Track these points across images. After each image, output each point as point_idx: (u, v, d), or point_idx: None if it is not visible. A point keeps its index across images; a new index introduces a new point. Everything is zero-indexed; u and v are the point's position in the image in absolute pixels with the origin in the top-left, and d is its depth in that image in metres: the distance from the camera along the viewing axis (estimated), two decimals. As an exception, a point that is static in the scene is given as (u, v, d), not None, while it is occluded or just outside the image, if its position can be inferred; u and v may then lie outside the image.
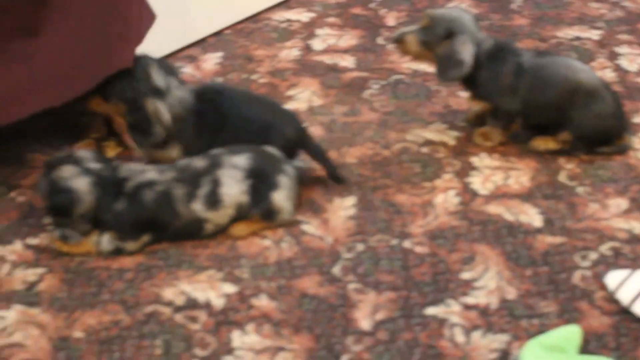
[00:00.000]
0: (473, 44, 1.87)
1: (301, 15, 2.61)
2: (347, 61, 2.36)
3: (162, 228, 1.68)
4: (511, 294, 1.57)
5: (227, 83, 2.23)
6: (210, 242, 1.71)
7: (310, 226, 1.75)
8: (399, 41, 1.92)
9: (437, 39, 1.87)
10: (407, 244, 1.70)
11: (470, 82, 1.92)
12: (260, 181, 1.69)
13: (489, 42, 1.90)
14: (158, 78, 1.77)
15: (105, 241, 1.66)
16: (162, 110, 1.75)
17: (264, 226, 1.72)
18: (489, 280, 1.60)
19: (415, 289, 1.59)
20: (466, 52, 1.85)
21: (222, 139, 1.78)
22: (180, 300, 1.57)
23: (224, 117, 1.80)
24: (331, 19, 2.59)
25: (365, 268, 1.64)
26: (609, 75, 2.22)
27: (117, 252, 1.66)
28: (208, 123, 1.79)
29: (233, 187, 1.68)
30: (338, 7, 2.66)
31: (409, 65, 2.33)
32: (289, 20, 2.59)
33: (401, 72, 2.30)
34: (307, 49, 2.43)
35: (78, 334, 1.51)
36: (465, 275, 1.62)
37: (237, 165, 1.69)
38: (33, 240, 1.73)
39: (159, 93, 1.76)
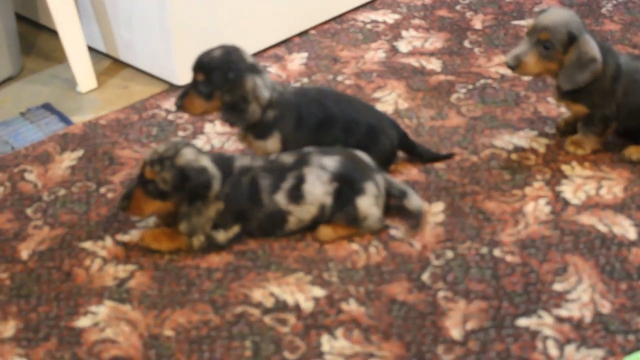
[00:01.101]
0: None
1: (386, 17, 2.59)
2: (434, 64, 2.33)
3: (249, 218, 1.68)
4: (605, 307, 1.54)
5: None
6: (298, 244, 1.70)
7: (399, 232, 1.73)
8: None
9: (561, 47, 1.83)
10: (497, 252, 1.67)
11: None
12: (345, 186, 1.68)
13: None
14: (250, 58, 1.77)
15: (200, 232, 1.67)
16: (260, 86, 1.75)
17: (351, 232, 1.71)
18: (582, 293, 1.57)
19: (507, 299, 1.57)
20: (594, 49, 1.82)
21: (326, 139, 1.78)
22: (269, 302, 1.57)
23: (330, 117, 1.79)
24: (417, 21, 2.57)
25: (455, 276, 1.62)
26: None
27: (208, 246, 1.66)
28: (311, 121, 1.79)
29: (317, 186, 1.67)
30: (423, 9, 2.64)
31: (496, 69, 2.29)
32: (374, 21, 2.57)
33: (489, 76, 2.27)
34: (393, 51, 2.41)
35: (168, 332, 1.51)
36: (558, 287, 1.58)
37: (325, 166, 1.68)
38: (123, 237, 1.74)
39: (255, 70, 1.76)
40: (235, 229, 1.69)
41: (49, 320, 1.55)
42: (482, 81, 2.25)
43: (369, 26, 2.55)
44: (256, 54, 2.38)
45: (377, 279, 1.62)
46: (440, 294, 1.58)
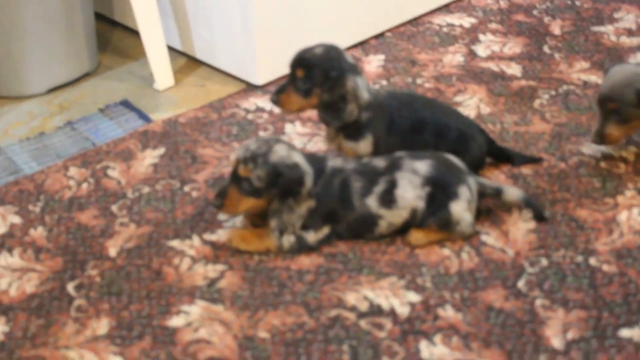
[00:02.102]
0: None
1: (462, 20, 2.56)
2: (514, 69, 2.30)
3: (338, 220, 1.66)
4: None
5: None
6: (388, 248, 1.68)
7: (490, 237, 1.70)
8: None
9: (632, 109, 1.82)
10: (593, 261, 1.64)
11: None
12: (438, 190, 1.65)
13: None
14: (351, 59, 1.76)
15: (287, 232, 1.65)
16: (361, 87, 1.73)
17: (442, 236, 1.68)
18: (685, 306, 1.52)
19: (606, 309, 1.53)
20: None
21: (417, 143, 1.76)
22: (363, 306, 1.55)
23: (421, 122, 1.77)
24: (493, 25, 2.53)
25: (551, 284, 1.59)
26: None
27: (298, 247, 1.65)
28: (402, 124, 1.77)
29: (409, 191, 1.64)
30: (499, 13, 2.60)
31: (578, 75, 2.25)
32: (450, 25, 2.54)
33: (571, 82, 2.23)
34: (471, 55, 2.38)
35: (263, 334, 1.49)
36: (659, 299, 1.54)
37: (417, 170, 1.65)
38: (211, 236, 1.73)
39: (356, 71, 1.74)
40: (325, 230, 1.67)
41: (142, 318, 1.54)
42: (565, 87, 2.21)
43: (445, 29, 2.52)
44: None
45: (472, 285, 1.59)
46: (538, 302, 1.55)
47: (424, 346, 1.46)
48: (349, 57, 1.76)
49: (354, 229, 1.68)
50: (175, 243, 1.72)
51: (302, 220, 1.64)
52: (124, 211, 1.82)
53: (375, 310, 1.54)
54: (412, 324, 1.51)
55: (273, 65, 2.23)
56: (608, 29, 2.49)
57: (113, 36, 2.56)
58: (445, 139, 1.79)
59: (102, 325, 1.53)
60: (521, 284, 1.59)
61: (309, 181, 1.62)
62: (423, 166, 1.67)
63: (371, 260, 1.65)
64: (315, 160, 1.68)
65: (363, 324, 1.51)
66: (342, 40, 2.38)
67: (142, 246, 1.71)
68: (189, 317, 1.54)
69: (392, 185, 1.66)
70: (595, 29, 2.50)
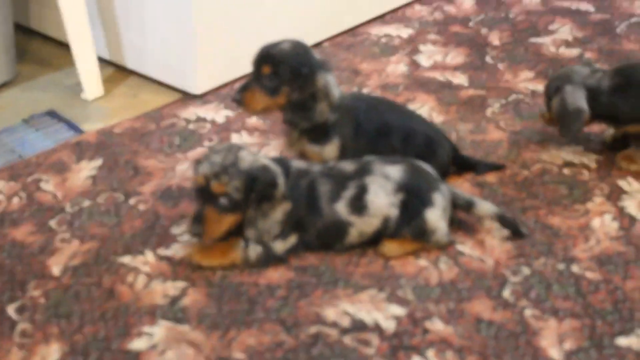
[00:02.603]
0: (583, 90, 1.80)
1: (400, 31, 2.49)
2: (460, 78, 2.23)
3: (306, 227, 1.53)
4: None
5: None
6: (361, 259, 1.56)
7: (466, 247, 1.60)
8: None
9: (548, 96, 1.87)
10: (575, 268, 1.56)
11: (608, 116, 1.81)
12: (413, 197, 1.54)
13: (606, 75, 1.79)
14: (319, 56, 1.64)
15: (254, 242, 1.51)
16: (332, 84, 1.61)
17: (417, 246, 1.57)
18: (676, 311, 1.46)
19: (599, 317, 1.45)
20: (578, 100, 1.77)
21: (384, 148, 1.65)
22: (345, 322, 1.42)
23: (388, 125, 1.66)
24: (432, 36, 2.47)
25: (538, 293, 1.50)
26: None
27: (265, 258, 1.51)
28: (369, 128, 1.66)
29: (380, 196, 1.53)
30: (436, 24, 2.55)
31: (525, 84, 2.20)
32: (388, 35, 2.46)
33: (519, 91, 2.18)
34: (415, 65, 2.30)
35: (238, 354, 1.35)
36: (649, 305, 1.47)
37: (389, 175, 1.54)
38: (166, 251, 1.57)
39: (326, 68, 1.63)
40: (293, 239, 1.54)
41: (98, 342, 1.37)
42: (514, 96, 2.15)
43: (384, 40, 2.44)
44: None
45: (456, 297, 1.48)
46: (527, 312, 1.46)
47: (417, 362, 1.34)
48: (316, 54, 1.64)
49: (322, 238, 1.55)
50: (126, 259, 1.55)
51: (280, 226, 1.50)
52: (64, 226, 1.63)
53: (359, 326, 1.41)
54: (401, 339, 1.39)
55: (212, 73, 2.10)
56: (546, 40, 2.47)
57: (31, 45, 2.37)
58: (413, 143, 1.69)
59: (52, 351, 1.35)
60: (507, 293, 1.50)
61: (281, 182, 1.50)
62: (395, 171, 1.56)
63: (345, 272, 1.53)
64: (279, 162, 1.55)
65: (348, 340, 1.38)
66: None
67: (89, 263, 1.54)
68: (152, 339, 1.37)
69: (362, 191, 1.54)
70: (534, 40, 2.47)
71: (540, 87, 2.19)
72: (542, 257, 1.59)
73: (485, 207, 1.62)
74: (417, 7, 2.67)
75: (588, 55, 2.38)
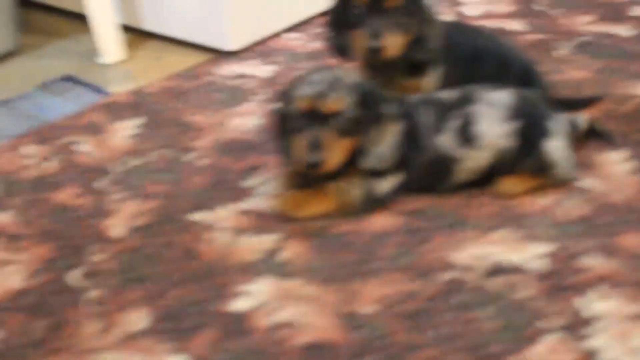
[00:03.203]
0: None
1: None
2: (514, 25, 2.01)
3: (407, 164, 1.29)
4: None
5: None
6: (473, 201, 1.31)
7: (587, 182, 1.37)
8: None
9: None
10: None
11: None
12: (529, 125, 1.30)
13: None
14: None
15: (357, 184, 1.26)
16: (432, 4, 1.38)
17: (539, 183, 1.33)
18: None
19: None
20: None
21: (478, 75, 1.41)
22: (482, 265, 1.17)
23: (483, 51, 1.43)
24: (471, -11, 2.25)
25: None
26: None
27: (367, 202, 1.27)
28: (463, 53, 1.42)
29: (491, 126, 1.30)
30: None
31: (589, 27, 1.99)
32: None
33: (584, 33, 1.97)
34: (460, 17, 2.08)
35: (367, 308, 1.09)
36: None
37: (498, 102, 1.31)
38: (242, 205, 1.30)
39: None
40: (395, 178, 1.28)
41: (190, 305, 1.10)
42: (581, 38, 1.94)
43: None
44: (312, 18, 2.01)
45: (603, 232, 1.24)
46: None
47: (582, 303, 1.10)
48: None
49: (426, 176, 1.30)
50: (198, 216, 1.29)
51: (394, 150, 1.26)
52: (115, 187, 1.37)
53: (501, 268, 1.16)
54: (558, 279, 1.14)
55: (246, 29, 1.87)
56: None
57: (31, 17, 2.10)
58: (510, 72, 1.46)
59: (138, 319, 1.08)
60: None
61: (393, 102, 1.25)
62: (504, 97, 1.33)
63: (462, 215, 1.28)
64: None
65: (491, 285, 1.14)
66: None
67: (154, 223, 1.28)
68: (256, 298, 1.11)
69: (469, 121, 1.30)
70: None
71: (605, 29, 1.99)
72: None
73: (582, 119, 1.42)
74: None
75: (644, -2, 2.18)
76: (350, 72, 1.26)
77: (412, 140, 1.29)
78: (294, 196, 1.28)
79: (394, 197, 1.31)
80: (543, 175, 1.34)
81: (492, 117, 1.31)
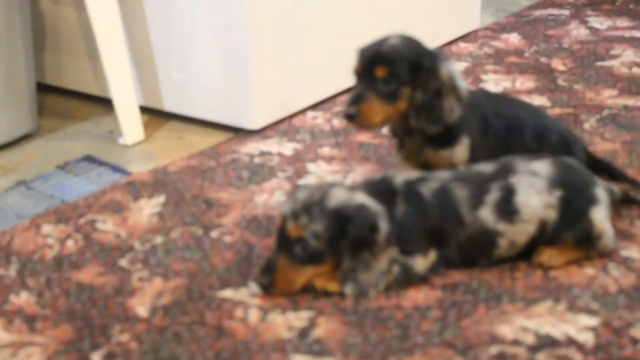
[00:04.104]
0: None
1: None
2: (539, 100, 1.99)
3: (446, 239, 1.24)
4: None
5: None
6: (514, 273, 1.27)
7: (631, 251, 1.31)
8: None
9: None
10: None
11: None
12: (572, 195, 1.26)
13: None
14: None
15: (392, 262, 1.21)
16: (457, 74, 1.33)
17: (580, 254, 1.28)
18: None
19: None
20: None
21: (517, 146, 1.38)
22: (529, 339, 1.11)
23: (520, 121, 1.41)
24: (490, 67, 2.24)
25: None
26: None
27: (405, 278, 1.21)
28: (499, 123, 1.39)
29: (533, 197, 1.26)
30: (489, 57, 2.32)
31: (613, 101, 1.97)
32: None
33: (610, 107, 1.94)
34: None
35: (410, 385, 1.02)
36: None
37: (538, 172, 1.27)
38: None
39: (445, 57, 1.35)
40: (433, 255, 1.23)
41: (223, 386, 1.03)
42: (607, 111, 1.92)
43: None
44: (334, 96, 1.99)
45: (648, 303, 1.18)
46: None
47: (643, 375, 1.03)
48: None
49: (466, 251, 1.25)
50: (228, 293, 1.23)
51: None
52: (139, 265, 1.32)
53: (548, 341, 1.10)
54: (608, 352, 1.07)
55: (269, 108, 1.85)
56: (613, 62, 2.27)
57: (48, 101, 2.09)
58: (548, 142, 1.43)
59: (167, 401, 1.01)
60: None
61: (383, 225, 1.20)
62: (543, 167, 1.29)
63: (503, 287, 1.23)
64: (377, 186, 1.26)
65: (541, 358, 1.07)
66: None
67: (182, 301, 1.22)
68: (293, 378, 1.04)
69: (509, 193, 1.26)
70: (600, 63, 2.27)
71: (629, 102, 1.96)
72: None
73: (616, 188, 1.38)
74: (462, 44, 2.45)
75: (667, 72, 2.16)
76: (345, 190, 1.21)
77: (449, 215, 1.24)
78: (328, 270, 1.23)
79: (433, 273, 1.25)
80: (588, 246, 1.28)
81: (533, 188, 1.26)
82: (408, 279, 1.23)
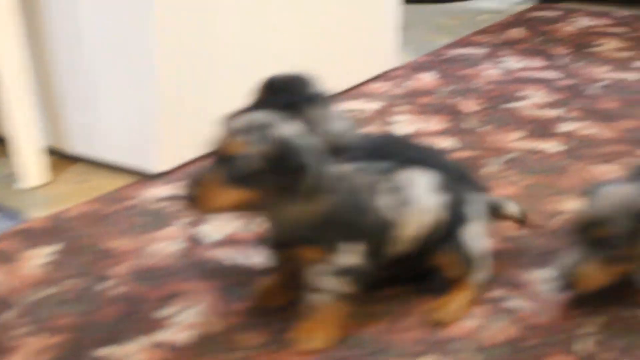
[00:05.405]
0: None
1: (365, 105, 2.28)
2: (447, 142, 2.02)
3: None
4: None
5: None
6: (394, 326, 1.26)
7: (516, 300, 1.33)
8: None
9: None
10: None
11: None
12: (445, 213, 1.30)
13: None
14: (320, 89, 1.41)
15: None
16: (331, 117, 1.38)
17: (469, 297, 1.31)
18: None
19: None
20: None
21: None
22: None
23: (414, 164, 1.41)
24: (403, 107, 2.27)
25: (615, 343, 1.23)
26: None
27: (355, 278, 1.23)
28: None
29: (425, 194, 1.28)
30: (403, 97, 2.35)
31: (519, 144, 2.00)
32: (356, 110, 2.25)
33: (516, 149, 1.97)
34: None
35: None
36: None
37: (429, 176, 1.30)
38: (158, 337, 1.24)
39: (325, 102, 1.39)
40: (359, 246, 1.21)
41: None
42: (512, 154, 1.95)
43: (352, 114, 2.21)
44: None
45: (527, 355, 1.20)
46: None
47: None
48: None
49: (374, 244, 1.24)
50: (105, 351, 1.22)
51: (311, 227, 1.17)
52: (21, 320, 1.29)
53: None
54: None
55: (174, 150, 1.83)
56: (522, 104, 2.31)
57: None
58: None
59: None
60: (581, 346, 1.22)
61: (324, 171, 1.17)
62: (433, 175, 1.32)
63: (383, 341, 1.23)
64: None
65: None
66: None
67: (62, 359, 1.19)
68: None
69: (403, 185, 1.28)
70: (510, 105, 2.30)
71: (534, 145, 2.00)
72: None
73: (512, 206, 1.45)
74: (377, 84, 2.48)
75: (572, 114, 2.21)
76: (297, 129, 1.18)
77: (365, 208, 1.22)
78: (309, 322, 1.23)
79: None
80: (464, 268, 1.30)
81: (426, 186, 1.28)
82: (358, 279, 1.22)
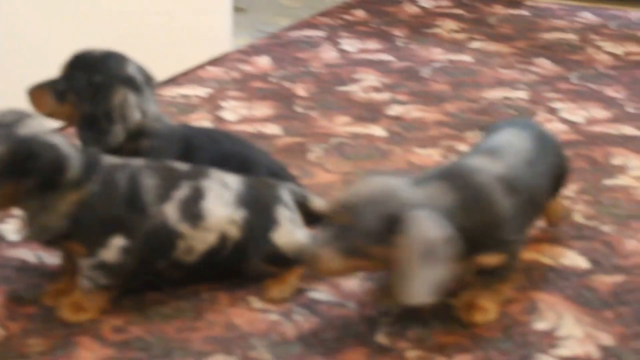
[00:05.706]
0: None
1: (197, 91, 2.24)
2: (272, 129, 2.00)
3: (129, 228, 1.21)
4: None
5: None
6: (196, 323, 1.24)
7: (320, 293, 1.33)
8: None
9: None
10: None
11: None
12: (255, 217, 1.30)
13: None
14: (133, 70, 1.37)
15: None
16: (131, 104, 1.33)
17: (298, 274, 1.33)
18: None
19: (490, 347, 1.21)
20: None
21: None
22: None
23: (225, 155, 1.40)
24: (234, 93, 2.23)
25: (414, 329, 1.24)
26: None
27: (104, 276, 1.22)
28: (202, 157, 1.39)
29: (219, 207, 1.28)
30: (235, 83, 2.32)
31: (344, 128, 2.01)
32: (185, 96, 2.20)
33: (339, 135, 1.97)
34: (219, 120, 2.05)
35: None
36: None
37: (229, 184, 1.31)
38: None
39: (132, 85, 1.35)
40: (117, 241, 1.20)
41: None
42: (335, 139, 1.95)
43: (180, 100, 2.17)
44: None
45: (322, 350, 1.19)
46: (410, 353, 1.19)
47: None
48: (136, 69, 1.36)
49: (147, 245, 1.23)
50: None
51: (67, 223, 1.17)
52: None
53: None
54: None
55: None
56: (353, 87, 2.31)
57: None
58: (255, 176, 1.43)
59: None
60: (381, 337, 1.23)
61: (75, 166, 1.17)
62: (235, 181, 1.32)
63: (180, 340, 1.20)
64: (85, 150, 1.22)
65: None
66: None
67: None
68: None
69: (198, 195, 1.26)
70: (341, 88, 2.30)
71: (359, 129, 2.00)
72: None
73: (319, 201, 1.42)
74: (211, 69, 2.43)
75: (400, 97, 2.23)
76: (44, 127, 1.16)
77: (135, 202, 1.21)
78: (76, 297, 1.22)
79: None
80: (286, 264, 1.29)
81: (221, 199, 1.27)
82: (107, 275, 1.21)
